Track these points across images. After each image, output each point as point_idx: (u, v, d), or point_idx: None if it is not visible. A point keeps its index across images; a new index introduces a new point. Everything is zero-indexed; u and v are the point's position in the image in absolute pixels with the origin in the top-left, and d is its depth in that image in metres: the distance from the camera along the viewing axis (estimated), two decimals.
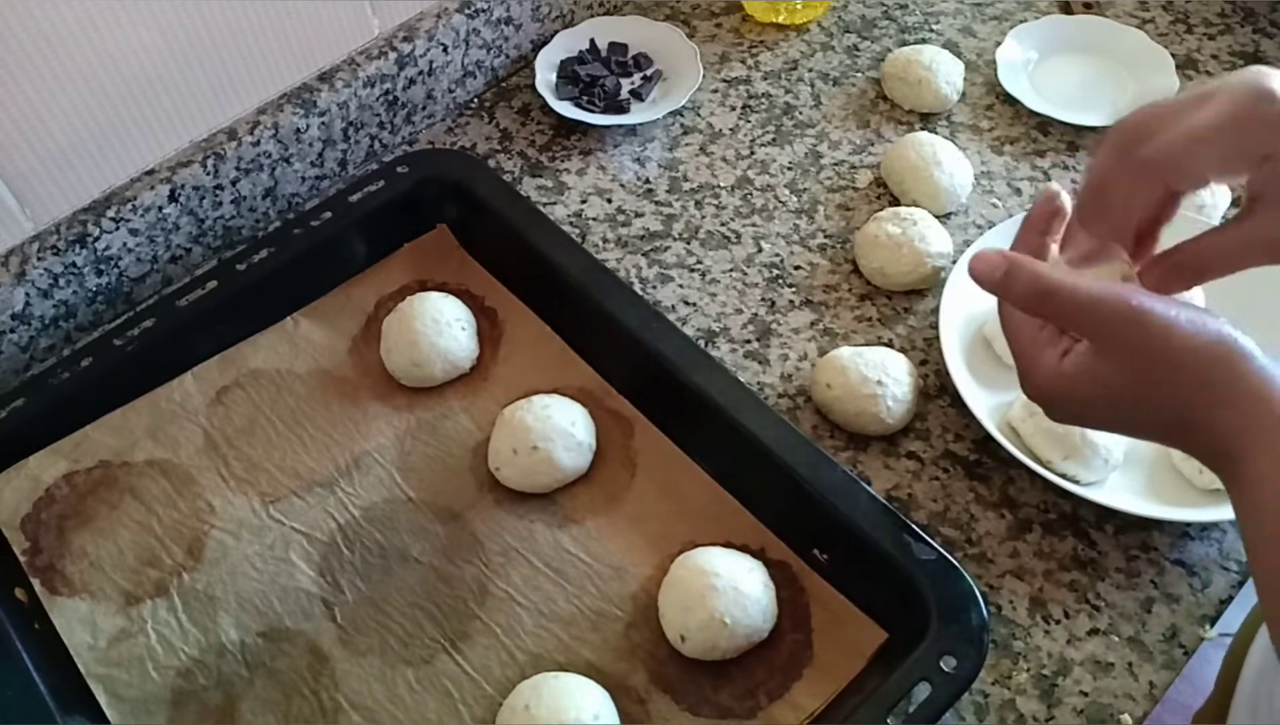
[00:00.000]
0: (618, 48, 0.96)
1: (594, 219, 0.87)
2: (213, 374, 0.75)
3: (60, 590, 0.66)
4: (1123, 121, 0.52)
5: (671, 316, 0.80)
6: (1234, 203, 0.84)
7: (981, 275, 0.51)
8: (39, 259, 0.75)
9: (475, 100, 0.96)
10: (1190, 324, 0.47)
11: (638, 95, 0.93)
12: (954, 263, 0.80)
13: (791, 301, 0.82)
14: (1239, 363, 0.47)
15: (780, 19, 1.01)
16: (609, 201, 0.88)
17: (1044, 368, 0.51)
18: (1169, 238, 0.56)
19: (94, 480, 0.70)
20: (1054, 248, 0.55)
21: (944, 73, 0.91)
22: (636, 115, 0.92)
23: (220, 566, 0.67)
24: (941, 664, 0.57)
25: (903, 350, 0.77)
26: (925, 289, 0.81)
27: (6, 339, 0.77)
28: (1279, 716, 0.63)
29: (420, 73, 0.90)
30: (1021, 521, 0.70)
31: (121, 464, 0.71)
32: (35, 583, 0.66)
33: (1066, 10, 1.02)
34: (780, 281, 0.83)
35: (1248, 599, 0.69)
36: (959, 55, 0.95)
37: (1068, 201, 0.55)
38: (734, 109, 0.95)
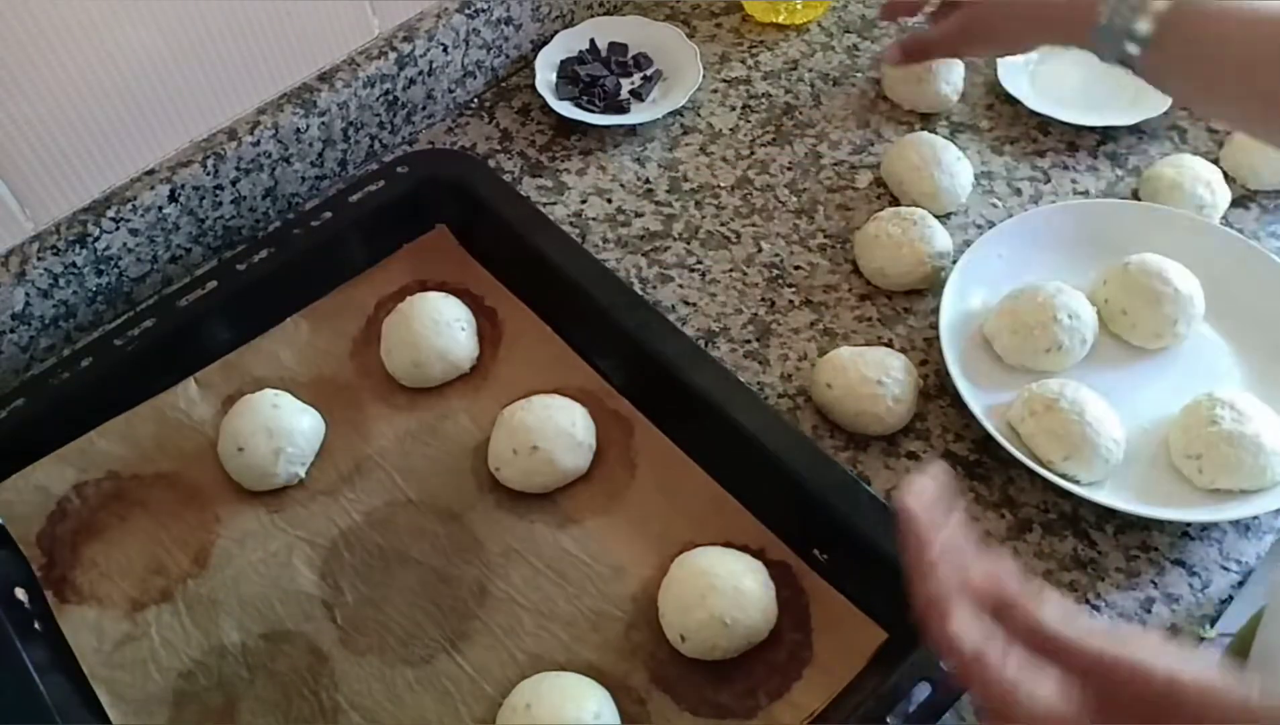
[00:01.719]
0: (618, 48, 0.96)
1: (594, 219, 0.87)
2: (216, 381, 0.75)
3: (70, 599, 0.66)
4: None
5: (671, 316, 0.80)
6: (1234, 203, 0.84)
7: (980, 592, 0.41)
8: (39, 259, 0.75)
9: (475, 100, 0.96)
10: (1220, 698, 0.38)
11: (638, 95, 0.93)
12: (954, 263, 0.80)
13: (791, 301, 0.82)
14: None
15: (780, 19, 1.01)
16: (609, 201, 0.88)
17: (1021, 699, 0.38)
18: None
19: (104, 493, 0.70)
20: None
21: (944, 73, 0.91)
22: (636, 115, 0.92)
23: (224, 572, 0.68)
24: (942, 664, 0.57)
25: (903, 350, 0.77)
26: (925, 289, 0.81)
27: (6, 339, 0.77)
28: None
29: (420, 73, 0.90)
30: (1021, 521, 0.70)
31: (131, 477, 0.71)
32: (48, 594, 0.66)
33: None
34: (780, 281, 0.83)
35: (1248, 599, 0.69)
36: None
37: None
38: (734, 109, 0.95)
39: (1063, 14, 0.66)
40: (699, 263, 0.84)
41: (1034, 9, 0.69)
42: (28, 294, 0.76)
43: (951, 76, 0.91)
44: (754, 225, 0.86)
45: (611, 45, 0.96)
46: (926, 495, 0.42)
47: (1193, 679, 0.38)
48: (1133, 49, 0.62)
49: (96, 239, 0.77)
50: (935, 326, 0.76)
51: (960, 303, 0.77)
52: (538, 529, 0.69)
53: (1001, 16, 0.71)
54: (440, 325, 0.74)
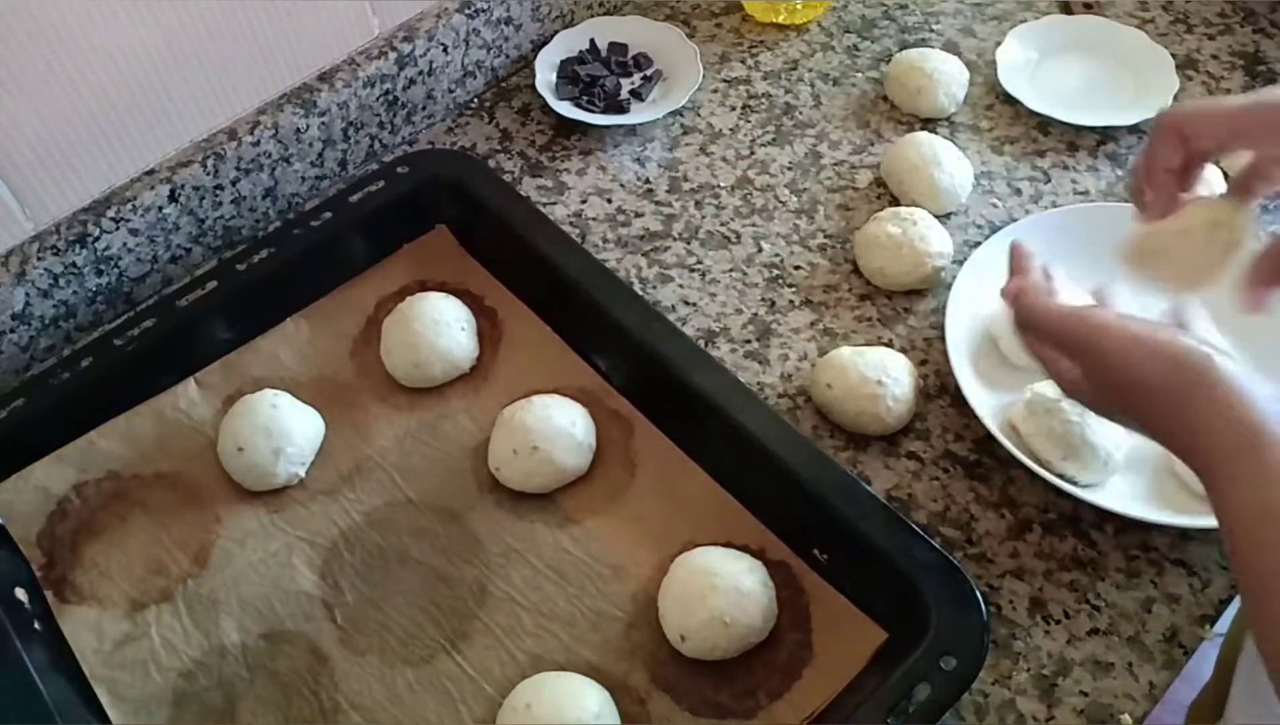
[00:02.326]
0: (618, 48, 0.96)
1: (594, 219, 0.87)
2: (216, 381, 0.75)
3: (70, 599, 0.67)
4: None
5: (671, 316, 0.80)
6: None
7: (1003, 293, 0.60)
8: (39, 259, 0.75)
9: (475, 100, 0.96)
10: (1144, 349, 0.51)
11: (638, 95, 0.93)
12: (954, 262, 0.80)
13: (791, 301, 0.82)
14: (1201, 389, 0.49)
15: (780, 19, 1.01)
16: (609, 201, 0.88)
17: (1059, 375, 0.57)
18: None
19: (105, 493, 0.70)
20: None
21: (945, 83, 0.91)
22: (636, 115, 0.92)
23: (224, 572, 0.68)
24: (941, 664, 0.57)
25: (903, 350, 0.77)
26: (925, 289, 0.81)
27: (6, 339, 0.77)
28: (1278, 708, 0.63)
29: (420, 73, 0.90)
30: (1021, 521, 0.70)
31: (132, 477, 0.71)
32: (48, 594, 0.66)
33: (1066, 10, 1.01)
34: (780, 281, 0.83)
35: None
36: (958, 54, 0.95)
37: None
38: (734, 109, 0.95)
39: None
40: (699, 263, 0.84)
41: None
42: (28, 294, 0.76)
43: (951, 88, 0.91)
44: (754, 225, 0.86)
45: (611, 45, 0.96)
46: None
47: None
48: None
49: (96, 239, 0.77)
50: (935, 326, 0.76)
51: (966, 301, 0.77)
52: (538, 529, 0.69)
53: None
54: (440, 325, 0.74)
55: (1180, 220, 0.60)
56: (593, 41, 0.96)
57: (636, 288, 0.82)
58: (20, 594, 0.65)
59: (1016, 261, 0.62)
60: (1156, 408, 0.51)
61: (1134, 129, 0.91)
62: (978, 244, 0.80)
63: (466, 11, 0.90)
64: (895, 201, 0.87)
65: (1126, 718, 0.62)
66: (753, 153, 0.91)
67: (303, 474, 0.71)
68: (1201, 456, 0.49)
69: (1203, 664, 0.94)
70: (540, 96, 0.92)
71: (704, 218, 0.87)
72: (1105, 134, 0.91)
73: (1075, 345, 0.55)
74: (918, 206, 0.83)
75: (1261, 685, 0.66)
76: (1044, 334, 0.57)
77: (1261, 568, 0.45)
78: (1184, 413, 0.49)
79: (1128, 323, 0.53)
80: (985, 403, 0.72)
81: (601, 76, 0.93)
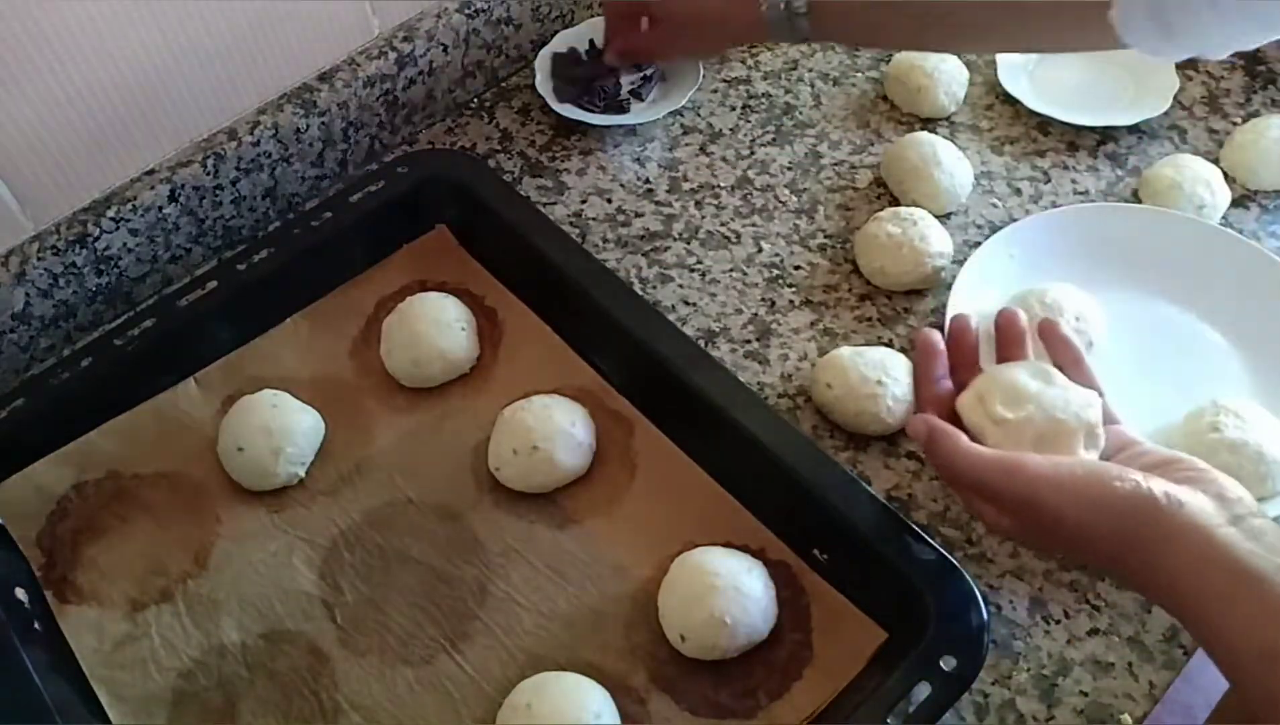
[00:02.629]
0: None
1: (594, 219, 0.87)
2: (216, 381, 0.75)
3: (70, 599, 0.67)
4: None
5: (671, 316, 0.80)
6: (1234, 203, 0.84)
7: (915, 436, 0.56)
8: (39, 259, 0.75)
9: (475, 100, 0.96)
10: (1084, 501, 0.49)
11: (638, 95, 0.93)
12: (954, 262, 0.80)
13: (791, 301, 0.82)
14: (1159, 543, 0.47)
15: None
16: (609, 201, 0.88)
17: (990, 524, 0.55)
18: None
19: (105, 493, 0.70)
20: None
21: (945, 83, 0.91)
22: (636, 115, 0.92)
23: (225, 572, 0.68)
24: (941, 664, 0.57)
25: (903, 350, 0.77)
26: (925, 289, 0.81)
27: (6, 339, 0.77)
28: None
29: (420, 73, 0.90)
30: None
31: (132, 476, 0.71)
32: (48, 594, 0.66)
33: None
34: (780, 281, 0.83)
35: None
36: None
37: (939, 340, 0.60)
38: (734, 109, 0.95)
39: (735, 22, 0.80)
40: (699, 263, 0.84)
41: (706, 26, 0.83)
42: (28, 294, 0.76)
43: (951, 87, 0.91)
44: (754, 225, 0.86)
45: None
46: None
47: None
48: (802, 24, 0.75)
49: (96, 239, 0.77)
50: (936, 326, 0.76)
51: (964, 302, 0.76)
52: (538, 529, 0.69)
53: (687, 37, 0.86)
54: (440, 325, 0.74)
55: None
56: (592, 42, 0.96)
57: (636, 288, 0.82)
58: (20, 594, 0.65)
59: (924, 364, 0.60)
60: (1112, 555, 0.49)
61: (1134, 129, 0.91)
62: (978, 244, 0.80)
63: (466, 11, 0.90)
64: (895, 201, 0.87)
65: (1126, 718, 0.62)
66: (753, 153, 0.91)
67: (303, 474, 0.71)
68: (1182, 600, 0.47)
69: (1203, 664, 0.94)
70: (540, 96, 0.92)
71: (704, 218, 0.87)
72: (1105, 134, 0.91)
73: (1004, 499, 0.52)
74: (918, 206, 0.83)
75: None
76: (965, 484, 0.54)
77: (1270, 705, 0.44)
78: (1147, 559, 0.48)
79: (1059, 470, 0.50)
80: None
81: (601, 76, 0.93)
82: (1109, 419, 0.56)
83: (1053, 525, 0.50)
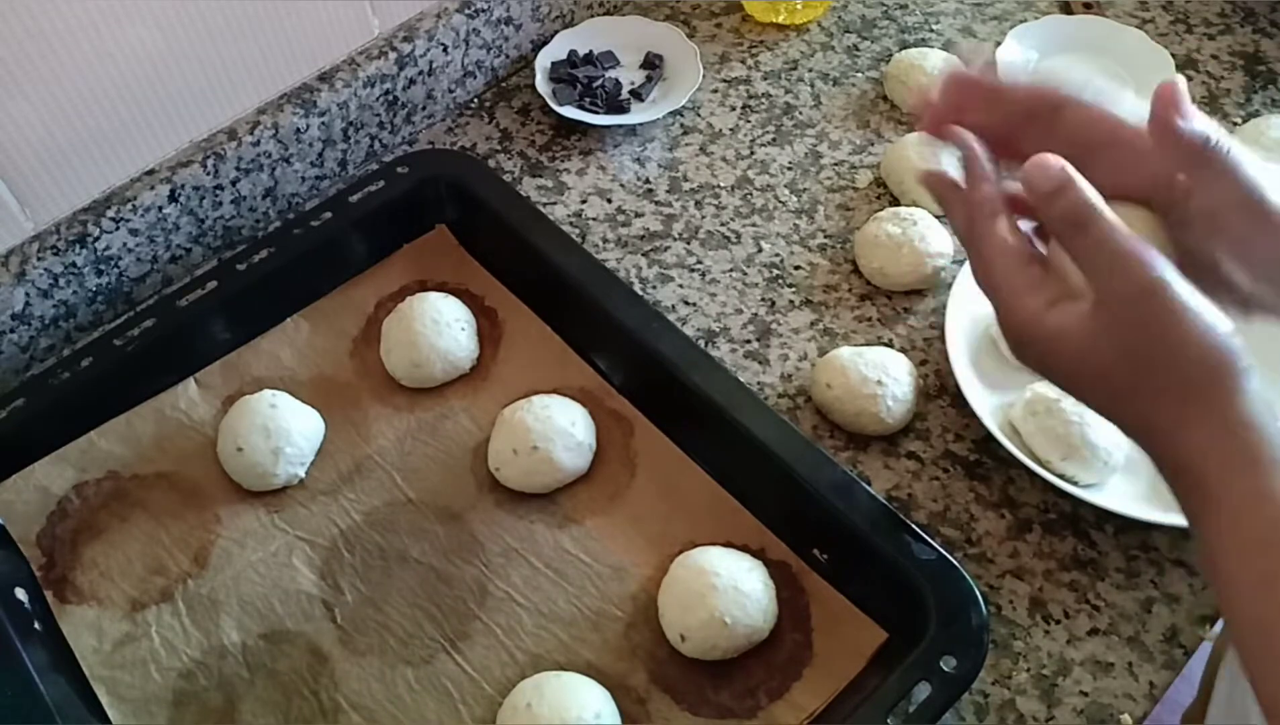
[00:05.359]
0: (608, 56, 0.96)
1: (594, 219, 0.87)
2: (216, 381, 0.75)
3: (70, 599, 0.66)
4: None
5: (671, 316, 0.80)
6: None
7: (1035, 181, 0.46)
8: (39, 259, 0.75)
9: (475, 100, 0.96)
10: (1201, 321, 0.43)
11: (638, 95, 0.93)
12: (954, 262, 0.80)
13: (791, 301, 0.82)
14: (1231, 382, 0.43)
15: (780, 19, 1.00)
16: (609, 201, 0.88)
17: (1026, 312, 0.47)
18: None
19: (105, 493, 0.70)
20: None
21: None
22: (636, 115, 0.92)
23: (224, 572, 0.68)
24: (941, 664, 0.57)
25: (903, 350, 0.77)
26: (925, 289, 0.81)
27: (6, 339, 0.77)
28: (1254, 716, 0.63)
29: (420, 73, 0.90)
30: (1021, 521, 0.70)
31: (132, 477, 0.71)
32: (48, 594, 0.66)
33: (1066, 10, 1.02)
34: (780, 281, 0.83)
35: None
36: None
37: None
38: (734, 109, 0.95)
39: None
40: (699, 263, 0.84)
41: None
42: (28, 294, 0.76)
43: None
44: (754, 225, 0.86)
45: (605, 54, 0.96)
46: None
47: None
48: None
49: (96, 239, 0.77)
50: (935, 326, 0.76)
51: (967, 302, 0.77)
52: (538, 529, 0.69)
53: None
54: (440, 325, 0.74)
55: None
56: (592, 51, 0.96)
57: (636, 288, 0.82)
58: (20, 594, 0.65)
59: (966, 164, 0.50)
60: (1169, 385, 0.44)
61: None
62: None
63: (466, 11, 0.90)
64: (895, 201, 0.87)
65: (1126, 718, 0.62)
66: (753, 153, 0.91)
67: (303, 474, 0.71)
68: (1195, 453, 0.44)
69: (1203, 665, 0.94)
70: (540, 96, 0.92)
71: (704, 218, 0.87)
72: None
73: (1123, 287, 0.44)
74: (918, 206, 0.83)
75: (1240, 696, 0.66)
76: (1089, 245, 0.45)
77: (1263, 605, 0.41)
78: (1185, 405, 0.44)
79: (1192, 291, 0.44)
80: (985, 403, 0.72)
81: (600, 76, 0.93)
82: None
83: (1160, 331, 0.44)
